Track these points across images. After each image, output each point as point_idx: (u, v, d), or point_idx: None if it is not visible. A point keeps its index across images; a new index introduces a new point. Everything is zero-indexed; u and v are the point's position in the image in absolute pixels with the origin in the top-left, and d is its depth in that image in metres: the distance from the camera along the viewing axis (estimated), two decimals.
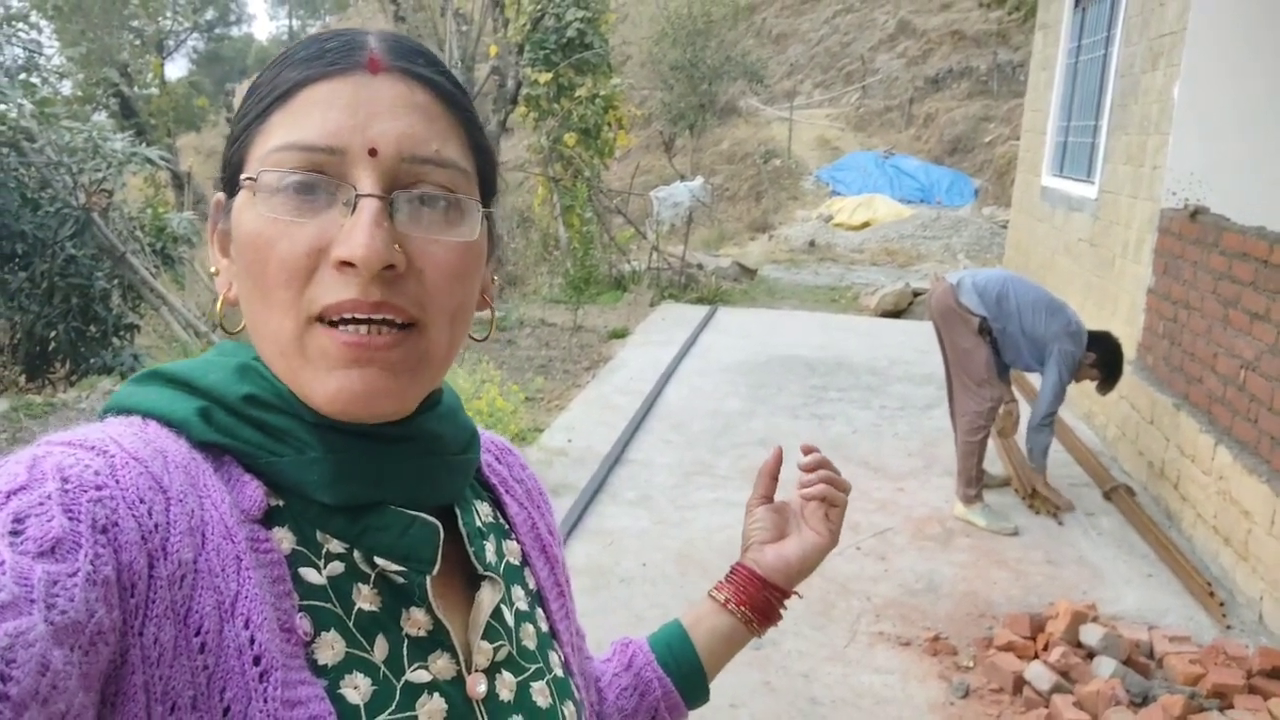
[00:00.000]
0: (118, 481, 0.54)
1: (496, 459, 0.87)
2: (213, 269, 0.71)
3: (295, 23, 54.74)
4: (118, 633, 0.51)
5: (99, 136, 7.42)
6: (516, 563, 0.81)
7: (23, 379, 8.22)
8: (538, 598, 0.82)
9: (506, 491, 0.85)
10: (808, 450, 1.03)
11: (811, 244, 15.53)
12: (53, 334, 8.13)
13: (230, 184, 0.66)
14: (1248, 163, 4.88)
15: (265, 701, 0.55)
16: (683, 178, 16.74)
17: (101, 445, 0.57)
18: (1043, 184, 7.89)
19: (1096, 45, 6.80)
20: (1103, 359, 4.69)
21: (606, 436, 5.71)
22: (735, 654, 1.01)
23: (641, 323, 9.21)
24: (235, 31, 41.52)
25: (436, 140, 0.64)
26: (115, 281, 8.10)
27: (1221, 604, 3.89)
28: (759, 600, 0.99)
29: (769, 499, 1.04)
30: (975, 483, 4.68)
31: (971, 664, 3.49)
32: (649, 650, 1.00)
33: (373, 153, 0.61)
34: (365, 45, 0.64)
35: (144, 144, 8.05)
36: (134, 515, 0.54)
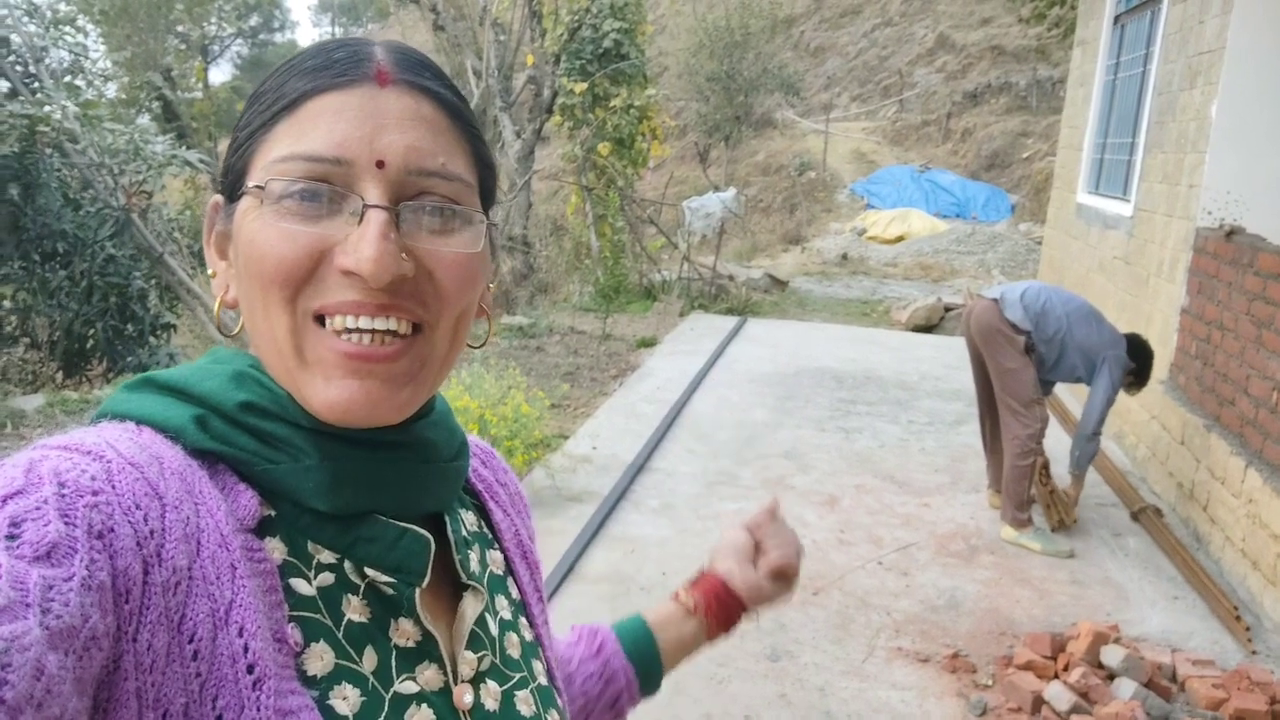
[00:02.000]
0: (114, 487, 0.54)
1: (482, 463, 0.88)
2: (210, 271, 0.71)
3: (338, 29, 55.38)
4: (111, 638, 0.51)
5: (140, 139, 7.56)
6: (500, 572, 0.81)
7: (60, 375, 8.38)
8: (521, 606, 0.82)
9: (492, 498, 0.85)
10: (769, 510, 1.10)
11: (844, 257, 15.48)
12: (90, 332, 8.28)
13: (232, 189, 0.67)
14: None
15: (258, 710, 0.55)
16: (716, 188, 16.74)
17: (98, 450, 0.56)
18: (1078, 201, 7.82)
19: (1135, 62, 6.75)
20: (1138, 363, 4.65)
21: (631, 445, 5.72)
22: (687, 656, 1.05)
23: (670, 332, 9.22)
24: (279, 38, 42.03)
25: (443, 153, 0.65)
26: (153, 281, 8.24)
27: (1248, 629, 3.83)
28: (726, 611, 1.03)
29: (754, 532, 1.09)
30: (1026, 507, 4.62)
31: (990, 682, 3.47)
32: (616, 641, 1.02)
33: (380, 165, 0.62)
34: (373, 57, 0.65)
35: (185, 147, 8.19)
36: (130, 521, 0.54)
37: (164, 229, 8.03)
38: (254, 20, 37.83)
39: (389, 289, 0.61)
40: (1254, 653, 3.71)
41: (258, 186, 0.62)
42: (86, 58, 8.15)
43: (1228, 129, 4.99)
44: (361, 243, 0.60)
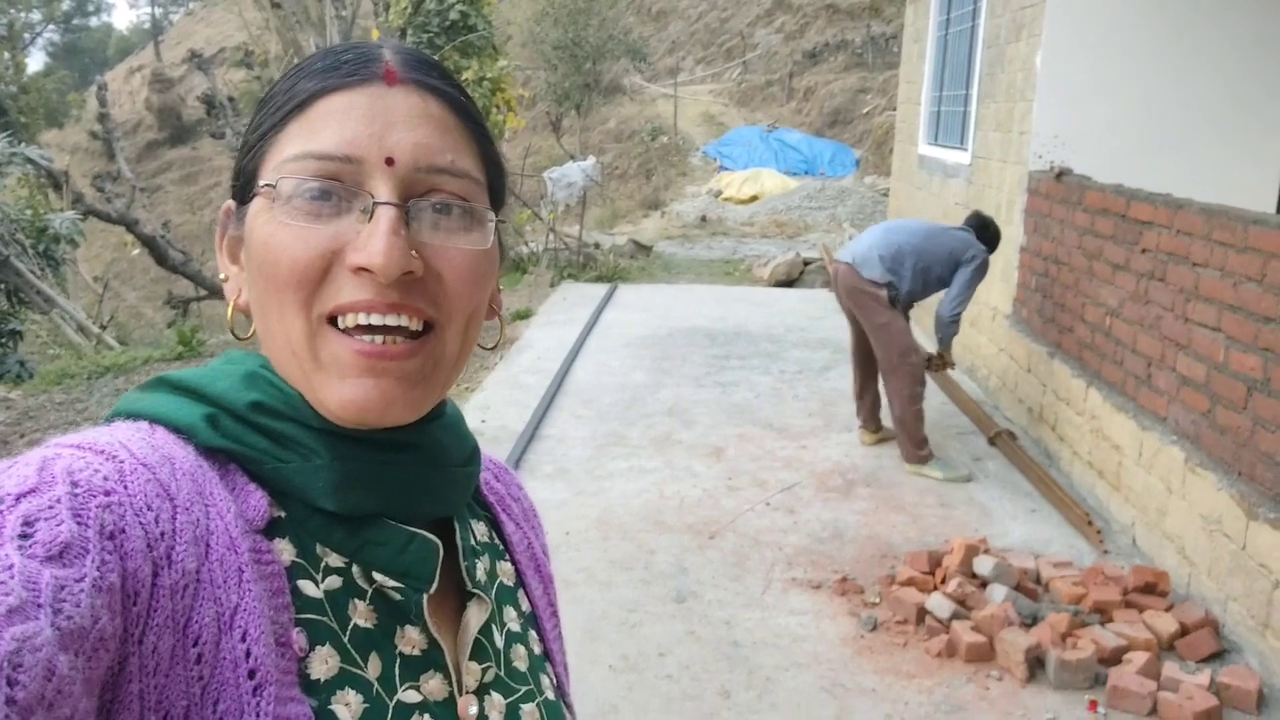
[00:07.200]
0: (126, 488, 0.54)
1: (495, 477, 0.88)
2: (221, 276, 0.72)
3: (158, 10, 52.63)
4: (118, 640, 0.50)
5: None
6: (510, 584, 0.81)
7: None
8: (531, 619, 0.82)
9: (504, 510, 0.85)
10: None
11: (703, 219, 15.82)
12: None
13: (243, 192, 0.67)
14: (1106, 125, 5.27)
15: (258, 716, 0.55)
16: (573, 158, 16.84)
17: (111, 450, 0.56)
18: (920, 152, 8.26)
19: (964, 18, 7.16)
20: (989, 241, 5.13)
21: (520, 415, 5.84)
22: None
23: (544, 303, 9.33)
24: (94, 22, 39.77)
25: (451, 151, 0.65)
26: None
27: (1099, 531, 4.25)
28: None
29: None
30: (924, 443, 4.98)
31: (878, 600, 3.76)
32: None
33: (389, 162, 0.62)
34: (381, 58, 0.66)
35: (21, 143, 7.77)
36: (141, 522, 0.53)
37: (6, 231, 7.62)
38: (66, 5, 35.70)
39: (399, 286, 0.62)
40: (1105, 552, 4.13)
41: (268, 186, 0.63)
42: None
43: (1052, 78, 5.39)
44: (372, 239, 0.60)
